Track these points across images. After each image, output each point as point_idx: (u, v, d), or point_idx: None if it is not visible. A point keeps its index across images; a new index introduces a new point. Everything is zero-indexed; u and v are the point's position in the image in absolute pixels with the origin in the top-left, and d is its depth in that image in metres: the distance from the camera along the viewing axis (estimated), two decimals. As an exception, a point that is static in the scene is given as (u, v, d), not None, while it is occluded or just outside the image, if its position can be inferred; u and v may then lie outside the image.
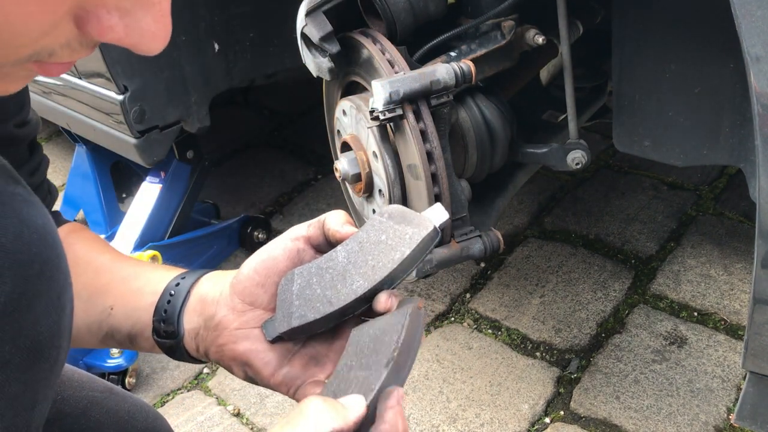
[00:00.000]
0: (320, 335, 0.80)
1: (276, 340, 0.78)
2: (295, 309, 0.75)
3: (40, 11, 0.43)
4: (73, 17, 0.46)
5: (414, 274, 1.27)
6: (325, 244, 0.79)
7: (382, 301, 0.73)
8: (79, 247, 0.89)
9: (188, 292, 0.82)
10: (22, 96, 0.83)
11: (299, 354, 0.80)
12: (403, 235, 0.73)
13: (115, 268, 0.87)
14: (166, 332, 0.81)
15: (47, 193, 0.93)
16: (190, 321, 0.81)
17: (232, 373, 0.82)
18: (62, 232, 0.91)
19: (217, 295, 0.80)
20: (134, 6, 0.46)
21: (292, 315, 0.75)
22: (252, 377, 0.80)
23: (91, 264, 0.86)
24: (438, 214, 0.75)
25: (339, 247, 0.76)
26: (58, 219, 0.93)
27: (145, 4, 0.47)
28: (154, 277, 0.85)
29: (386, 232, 0.74)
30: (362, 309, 0.75)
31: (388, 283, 0.73)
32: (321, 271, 0.75)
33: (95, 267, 0.86)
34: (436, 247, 1.27)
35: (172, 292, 0.82)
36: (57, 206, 0.98)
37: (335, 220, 0.78)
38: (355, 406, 0.65)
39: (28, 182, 0.86)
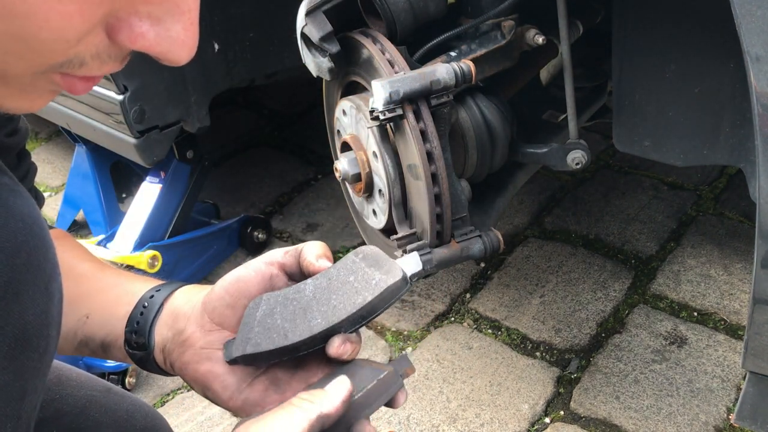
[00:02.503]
0: (284, 361, 0.79)
1: (232, 362, 0.78)
2: (253, 335, 0.75)
3: (79, 13, 0.43)
4: (105, 27, 0.46)
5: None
6: (299, 274, 0.79)
7: (335, 345, 0.72)
8: (61, 254, 0.89)
9: (162, 305, 0.82)
10: None
11: (260, 378, 0.79)
12: (370, 279, 0.73)
13: (96, 277, 0.87)
14: (137, 344, 0.81)
15: (34, 200, 0.93)
16: (160, 333, 0.81)
17: (194, 390, 0.82)
18: None
19: (189, 310, 0.80)
20: (165, 14, 0.47)
21: (249, 341, 0.75)
22: (211, 399, 0.80)
23: (72, 272, 0.86)
24: (412, 264, 0.76)
25: (309, 280, 0.75)
26: None
27: (176, 13, 0.47)
28: (132, 288, 0.84)
29: (356, 273, 0.74)
30: (317, 347, 0.74)
31: (345, 326, 0.72)
32: (286, 302, 0.75)
33: (76, 275, 0.86)
34: (436, 247, 1.28)
35: (146, 304, 0.82)
36: (54, 211, 0.98)
37: (311, 252, 0.78)
38: (338, 388, 0.65)
39: None
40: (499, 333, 1.90)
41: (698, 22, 1.18)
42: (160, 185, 2.03)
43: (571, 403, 1.70)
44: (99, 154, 2.18)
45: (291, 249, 0.80)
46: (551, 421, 1.67)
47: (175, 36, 0.48)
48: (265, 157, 2.72)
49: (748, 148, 1.17)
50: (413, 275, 0.75)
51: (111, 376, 1.84)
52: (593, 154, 2.02)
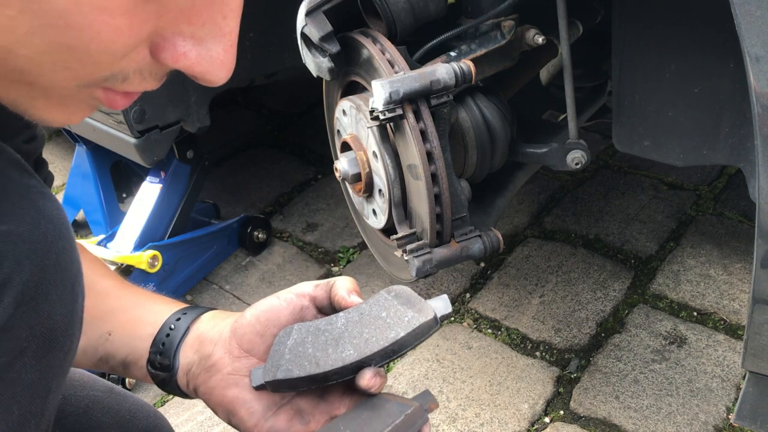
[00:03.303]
0: (308, 392, 0.80)
1: (259, 388, 0.79)
2: (284, 362, 0.76)
3: (128, 27, 0.45)
4: (149, 45, 0.48)
5: (414, 273, 1.27)
6: (329, 307, 0.81)
7: (366, 377, 0.74)
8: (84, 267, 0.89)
9: (188, 328, 0.83)
10: None
11: (285, 407, 0.80)
12: (403, 316, 0.75)
13: (118, 294, 0.88)
14: (161, 365, 0.82)
15: None
16: (185, 356, 0.82)
17: (217, 415, 0.83)
18: None
19: (216, 336, 0.81)
20: (207, 35, 0.49)
21: (279, 367, 0.76)
22: (236, 425, 0.81)
23: (94, 288, 0.86)
24: (442, 306, 0.78)
25: (341, 314, 0.77)
26: None
27: (218, 35, 0.49)
28: (156, 309, 0.86)
29: (388, 309, 0.76)
30: (347, 378, 0.76)
31: (376, 360, 0.74)
32: (318, 332, 0.77)
33: (98, 291, 0.87)
34: (436, 247, 1.28)
35: (172, 326, 0.83)
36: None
37: (343, 287, 0.79)
38: None
39: None
40: (499, 333, 1.90)
41: (698, 22, 1.18)
42: (160, 185, 2.03)
43: (571, 402, 1.70)
44: (99, 154, 2.18)
45: (322, 282, 0.81)
46: (551, 421, 1.67)
47: (215, 56, 0.50)
48: (265, 157, 2.72)
49: (748, 148, 1.17)
50: (443, 317, 0.78)
51: (111, 376, 1.84)
52: (593, 154, 2.02)
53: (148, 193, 2.04)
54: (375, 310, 0.76)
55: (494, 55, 1.33)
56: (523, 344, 1.86)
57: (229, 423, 0.82)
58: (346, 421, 0.74)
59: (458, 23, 1.34)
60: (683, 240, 2.12)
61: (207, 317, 0.84)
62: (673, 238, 2.13)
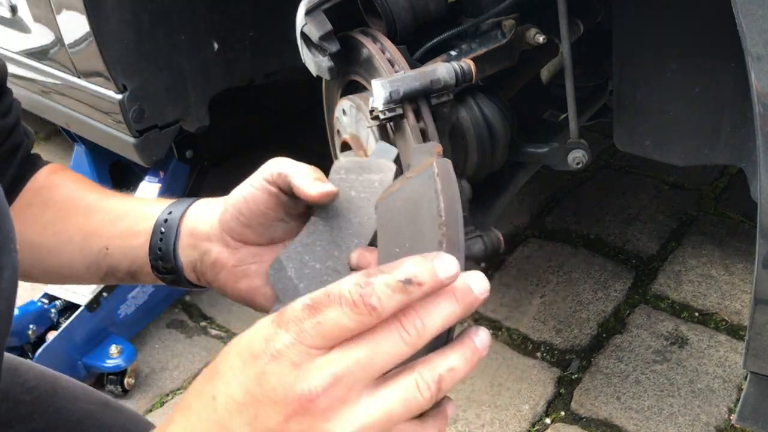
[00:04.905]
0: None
1: None
2: (301, 290, 0.72)
3: None
4: None
5: None
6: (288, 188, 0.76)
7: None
8: (64, 188, 0.89)
9: (178, 227, 0.81)
10: None
11: None
12: (372, 183, 0.71)
13: (105, 207, 0.87)
14: (165, 268, 0.82)
15: (23, 136, 0.92)
16: (186, 255, 0.81)
17: (241, 304, 0.82)
18: (44, 173, 0.91)
19: (208, 229, 0.80)
20: None
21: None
22: (261, 311, 0.80)
23: (79, 205, 0.87)
24: (387, 152, 0.73)
25: (312, 218, 0.74)
26: (38, 162, 0.93)
27: None
28: (143, 213, 0.84)
29: (354, 187, 0.72)
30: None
31: None
32: (308, 248, 0.73)
33: (84, 208, 0.86)
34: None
35: (162, 230, 0.82)
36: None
37: (302, 178, 0.74)
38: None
39: None
40: (500, 333, 1.89)
41: (699, 21, 1.18)
42: (159, 185, 2.02)
43: (572, 403, 1.70)
44: (98, 154, 2.18)
45: (272, 175, 0.79)
46: (552, 422, 1.67)
47: None
48: (265, 157, 2.70)
49: (749, 147, 1.17)
50: (395, 160, 0.72)
51: (110, 377, 1.84)
52: (594, 154, 2.01)
53: (147, 192, 2.03)
54: (344, 195, 0.72)
55: (495, 55, 1.32)
56: (523, 345, 1.85)
57: (255, 309, 0.81)
58: (390, 237, 0.60)
59: (458, 22, 1.33)
60: (684, 240, 2.11)
61: (193, 210, 0.83)
62: (674, 238, 2.12)
